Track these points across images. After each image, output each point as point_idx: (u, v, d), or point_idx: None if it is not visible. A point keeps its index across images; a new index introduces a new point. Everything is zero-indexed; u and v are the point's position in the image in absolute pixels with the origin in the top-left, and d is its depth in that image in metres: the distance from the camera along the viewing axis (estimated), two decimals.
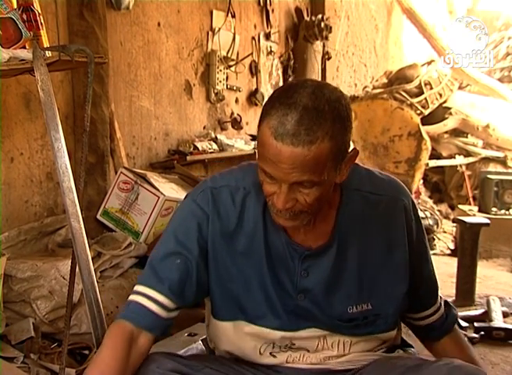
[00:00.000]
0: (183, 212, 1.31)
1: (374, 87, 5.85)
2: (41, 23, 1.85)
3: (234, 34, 3.94)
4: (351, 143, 1.17)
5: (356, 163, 1.29)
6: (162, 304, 1.23)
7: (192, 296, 1.27)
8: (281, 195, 1.14)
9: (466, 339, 1.46)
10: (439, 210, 5.53)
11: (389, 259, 1.28)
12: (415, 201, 1.39)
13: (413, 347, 1.41)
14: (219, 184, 1.29)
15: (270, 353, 1.30)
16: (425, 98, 5.51)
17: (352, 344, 1.29)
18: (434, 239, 4.87)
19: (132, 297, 1.26)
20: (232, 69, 3.95)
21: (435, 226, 5.13)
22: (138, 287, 1.26)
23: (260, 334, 1.28)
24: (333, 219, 1.26)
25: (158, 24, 3.39)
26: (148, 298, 1.23)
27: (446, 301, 1.44)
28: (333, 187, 1.22)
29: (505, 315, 3.07)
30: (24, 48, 1.77)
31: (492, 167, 5.59)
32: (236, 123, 4.09)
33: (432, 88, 5.57)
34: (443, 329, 1.41)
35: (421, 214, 4.89)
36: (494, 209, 4.62)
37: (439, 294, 1.42)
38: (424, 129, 5.36)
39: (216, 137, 3.81)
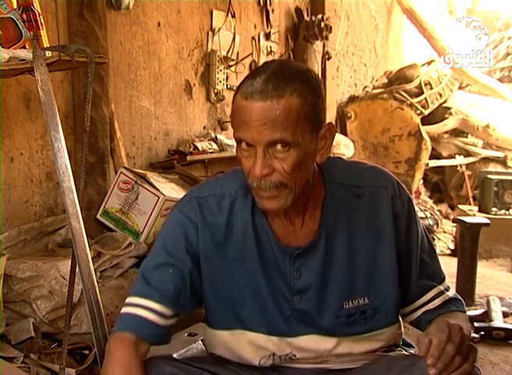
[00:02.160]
0: (171, 224, 1.31)
1: (374, 87, 5.85)
2: (41, 23, 1.86)
3: (234, 34, 3.94)
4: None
5: (339, 157, 1.33)
6: (160, 312, 1.22)
7: (188, 304, 1.27)
8: (257, 161, 1.14)
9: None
10: (439, 210, 5.53)
11: (378, 251, 1.27)
12: (413, 199, 1.37)
13: (413, 346, 1.41)
14: (205, 194, 1.30)
15: (271, 365, 1.29)
16: (425, 98, 5.51)
17: (355, 346, 1.28)
18: (434, 239, 4.87)
19: (127, 309, 1.24)
20: (232, 69, 3.94)
21: (435, 226, 5.14)
22: (132, 299, 1.25)
23: (258, 342, 1.27)
24: (319, 216, 1.26)
25: (158, 24, 3.38)
26: (145, 308, 1.22)
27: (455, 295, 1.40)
28: (315, 176, 1.23)
29: (505, 315, 3.07)
30: (24, 48, 1.78)
31: (492, 167, 5.59)
32: None
33: (432, 88, 5.57)
34: (445, 308, 1.36)
35: (421, 214, 4.91)
36: (494, 209, 4.62)
37: (445, 281, 1.38)
38: (424, 129, 5.36)
39: (216, 137, 3.81)
